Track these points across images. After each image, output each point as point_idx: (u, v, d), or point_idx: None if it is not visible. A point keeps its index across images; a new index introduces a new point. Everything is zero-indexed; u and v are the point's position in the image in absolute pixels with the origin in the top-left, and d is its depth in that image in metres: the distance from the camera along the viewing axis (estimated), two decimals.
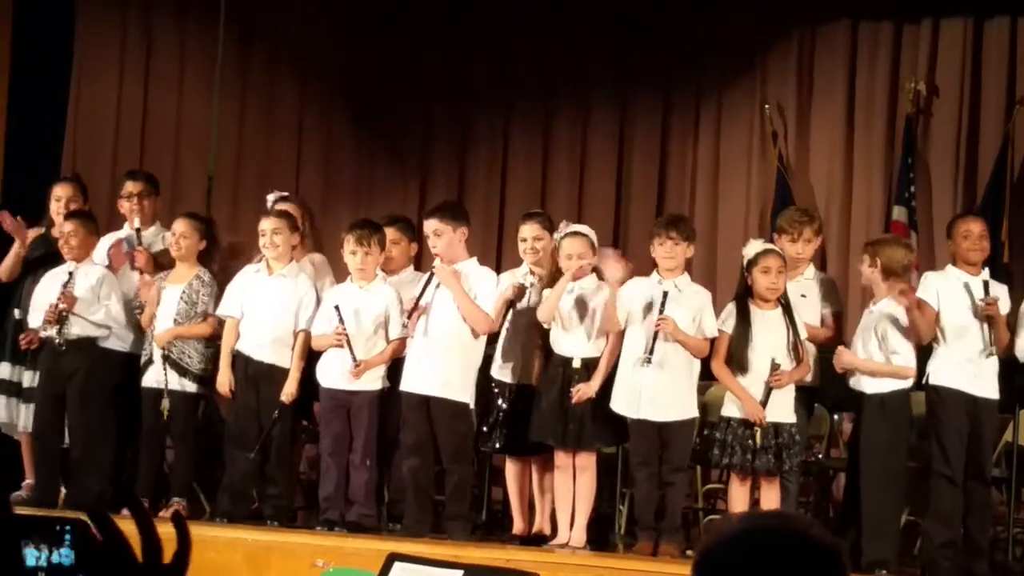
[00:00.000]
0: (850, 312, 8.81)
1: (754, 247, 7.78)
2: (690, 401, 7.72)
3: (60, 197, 9.07)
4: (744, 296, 7.70)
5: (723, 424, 7.62)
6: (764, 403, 7.52)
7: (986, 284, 7.76)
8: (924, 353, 7.80)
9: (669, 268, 7.73)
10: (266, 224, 8.31)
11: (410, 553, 6.33)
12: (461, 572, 5.97)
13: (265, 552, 7.48)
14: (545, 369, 7.78)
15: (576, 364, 7.67)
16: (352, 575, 7.10)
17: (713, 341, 7.67)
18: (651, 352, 7.53)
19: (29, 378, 8.86)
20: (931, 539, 7.75)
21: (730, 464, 7.59)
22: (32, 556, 2.19)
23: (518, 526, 7.98)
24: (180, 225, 8.60)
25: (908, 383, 7.69)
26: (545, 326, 7.79)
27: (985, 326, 7.72)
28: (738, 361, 7.59)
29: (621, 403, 7.62)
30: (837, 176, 10.90)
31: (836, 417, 8.87)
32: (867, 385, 7.65)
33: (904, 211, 10.40)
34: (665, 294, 7.56)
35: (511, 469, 8.06)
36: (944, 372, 7.70)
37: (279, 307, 8.23)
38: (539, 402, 7.71)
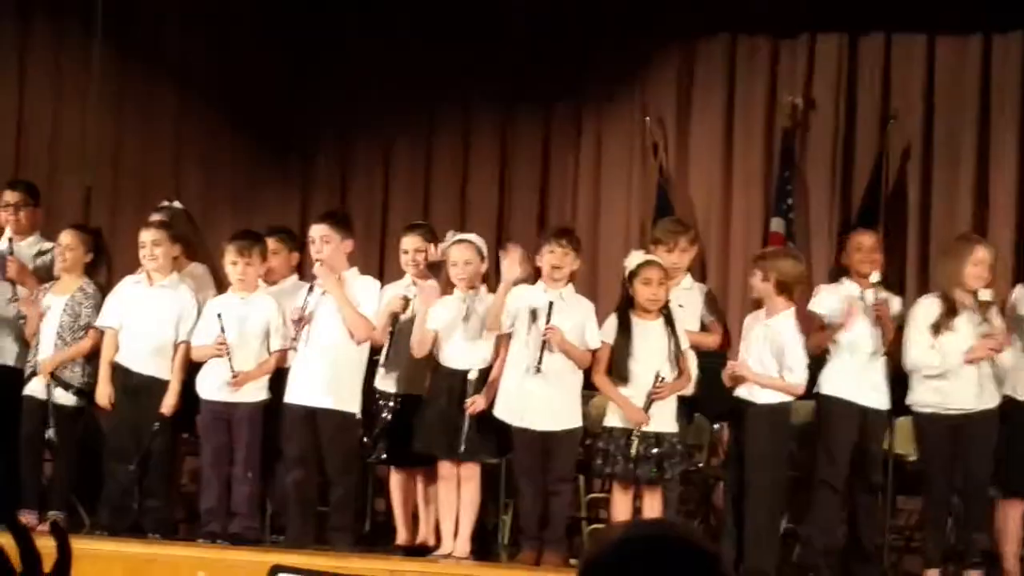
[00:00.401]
0: (730, 322, 8.90)
1: (635, 258, 7.84)
2: (575, 411, 7.77)
3: None
4: (625, 307, 7.76)
5: (605, 434, 7.68)
6: (646, 412, 7.58)
7: (876, 286, 7.91)
8: (814, 363, 7.94)
9: (557, 278, 7.76)
10: (146, 235, 8.24)
11: (294, 565, 6.31)
12: None
13: (147, 565, 7.42)
14: (433, 380, 7.79)
15: (473, 375, 7.66)
16: None
17: (595, 352, 7.73)
18: (539, 362, 7.56)
19: None
20: (813, 545, 7.86)
21: (612, 473, 7.65)
22: None
23: (402, 537, 7.98)
24: (67, 237, 8.49)
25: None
26: (492, 332, 7.77)
27: (877, 334, 7.87)
28: (619, 372, 7.64)
29: (505, 411, 7.65)
30: (716, 188, 11.02)
31: (716, 426, 8.96)
32: (757, 396, 7.73)
33: (782, 222, 10.53)
34: (551, 304, 7.60)
35: (395, 480, 8.06)
36: (835, 382, 7.83)
37: (159, 319, 8.16)
38: (424, 413, 7.70)
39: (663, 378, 7.57)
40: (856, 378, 7.83)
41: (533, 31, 11.48)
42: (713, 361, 8.01)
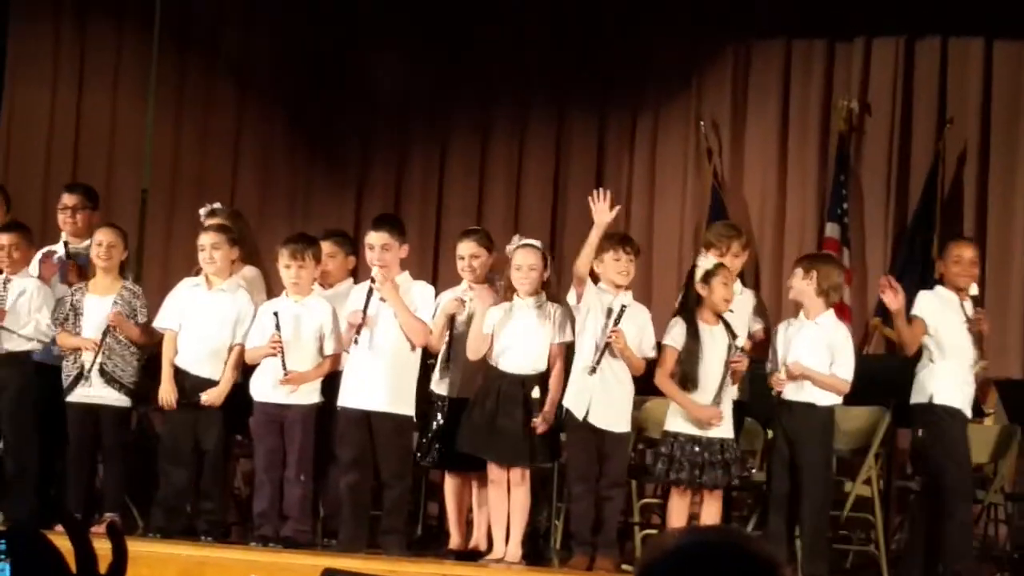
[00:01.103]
0: None
1: (709, 260, 7.78)
2: (628, 416, 7.75)
3: None
4: (692, 311, 7.71)
5: (669, 439, 7.63)
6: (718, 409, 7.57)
7: (975, 299, 7.85)
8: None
9: (621, 284, 7.73)
10: (205, 239, 8.24)
11: (345, 568, 6.30)
12: None
13: (199, 568, 7.43)
14: (483, 382, 7.77)
15: (535, 394, 7.62)
16: None
17: (657, 356, 7.69)
18: (597, 362, 7.54)
19: None
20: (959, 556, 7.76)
21: (678, 479, 7.57)
22: None
23: (455, 541, 7.97)
24: (108, 235, 8.48)
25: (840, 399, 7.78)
26: (472, 358, 7.76)
27: (971, 341, 7.83)
28: (689, 376, 7.57)
29: (571, 400, 7.63)
30: (771, 193, 10.98)
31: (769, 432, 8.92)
32: (810, 398, 7.67)
33: (837, 227, 10.49)
34: (623, 307, 7.58)
35: (449, 484, 8.05)
36: (948, 392, 7.74)
37: (217, 321, 8.17)
38: (472, 415, 7.68)
39: (739, 348, 7.54)
40: (962, 387, 7.77)
41: (588, 34, 11.47)
42: (760, 366, 7.96)
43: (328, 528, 8.27)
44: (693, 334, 7.62)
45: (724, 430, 7.58)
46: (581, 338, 7.69)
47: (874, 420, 8.27)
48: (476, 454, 7.71)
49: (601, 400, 7.60)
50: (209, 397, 8.09)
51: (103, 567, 2.12)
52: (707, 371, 7.59)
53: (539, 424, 7.56)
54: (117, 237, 8.48)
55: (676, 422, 7.63)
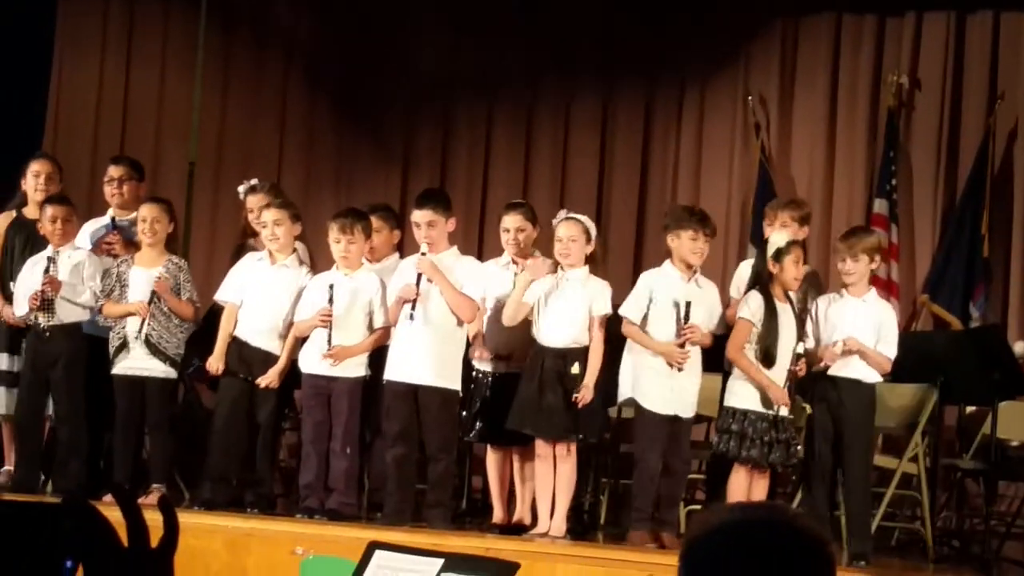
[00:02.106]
0: None
1: (782, 236, 7.69)
2: (696, 399, 7.73)
3: (39, 173, 8.96)
4: (767, 287, 7.59)
5: (740, 416, 7.54)
6: (790, 394, 7.54)
7: None
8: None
9: (693, 264, 7.68)
10: (268, 215, 8.26)
11: (391, 541, 6.32)
12: (442, 561, 5.96)
13: (245, 539, 7.46)
14: (529, 357, 7.75)
15: (575, 369, 7.58)
16: (332, 563, 7.08)
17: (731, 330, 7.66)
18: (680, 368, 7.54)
19: (8, 362, 8.81)
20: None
21: (748, 457, 7.51)
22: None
23: (498, 515, 7.98)
24: (152, 210, 8.51)
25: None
26: (507, 323, 7.77)
27: None
28: (769, 354, 7.49)
29: (654, 402, 7.58)
30: (819, 168, 10.93)
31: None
32: (858, 375, 7.62)
33: (885, 203, 10.44)
34: (688, 304, 7.54)
35: (492, 458, 8.05)
36: None
37: (278, 296, 8.20)
38: (519, 390, 7.68)
39: (800, 354, 7.50)
40: None
41: (636, 7, 11.43)
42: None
43: (372, 501, 8.29)
44: (771, 311, 7.54)
45: (784, 409, 7.55)
46: (649, 329, 7.64)
47: (921, 397, 8.22)
48: (523, 431, 7.70)
49: (686, 392, 7.59)
50: (267, 378, 8.12)
51: (154, 540, 2.13)
52: (781, 349, 7.52)
53: (580, 399, 7.54)
54: (161, 211, 8.51)
55: (745, 398, 7.53)
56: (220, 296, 8.34)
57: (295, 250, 8.31)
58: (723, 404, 7.64)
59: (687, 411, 7.65)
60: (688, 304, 7.55)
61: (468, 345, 8.00)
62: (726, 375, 7.69)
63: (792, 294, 7.66)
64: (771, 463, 7.52)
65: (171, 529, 2.15)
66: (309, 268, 8.38)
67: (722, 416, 7.65)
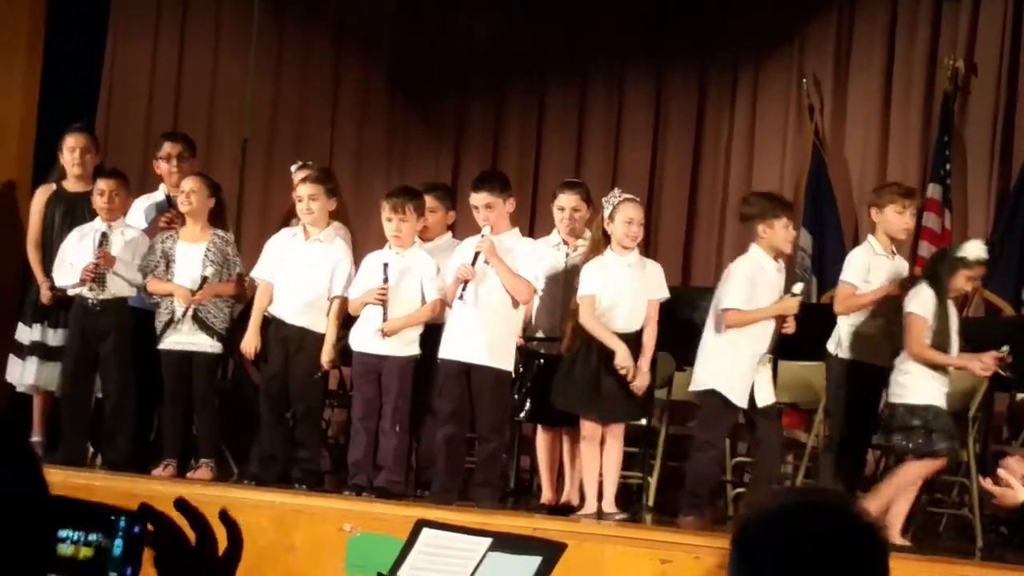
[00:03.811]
0: None
1: (982, 249, 7.47)
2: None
3: (74, 147, 8.99)
4: (944, 283, 7.36)
5: (922, 411, 7.26)
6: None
7: None
8: None
9: (785, 252, 7.58)
10: (303, 189, 8.29)
11: (438, 520, 6.32)
12: (489, 540, 5.96)
13: (293, 516, 7.50)
14: (577, 339, 7.74)
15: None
16: (379, 540, 7.11)
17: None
18: (771, 350, 7.50)
19: (40, 334, 8.84)
20: None
21: (937, 451, 7.25)
22: (71, 541, 2.19)
23: (546, 495, 7.98)
24: (190, 182, 8.53)
25: None
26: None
27: None
28: (942, 349, 7.32)
29: (739, 397, 7.51)
30: (872, 151, 10.86)
31: None
32: None
33: (939, 189, 10.36)
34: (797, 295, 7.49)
35: (542, 439, 8.05)
36: None
37: (314, 272, 8.22)
38: (571, 373, 7.67)
39: (1005, 348, 7.35)
40: None
41: None
42: None
43: (420, 480, 8.31)
44: (942, 308, 7.32)
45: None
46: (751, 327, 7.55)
47: (971, 384, 8.17)
48: (579, 413, 7.68)
49: (767, 384, 7.53)
50: (324, 360, 8.14)
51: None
52: (952, 347, 7.35)
53: (637, 383, 7.53)
54: (200, 184, 8.53)
55: (926, 394, 7.30)
56: (254, 274, 8.37)
57: (328, 224, 8.32)
58: (897, 402, 7.35)
59: (767, 399, 7.58)
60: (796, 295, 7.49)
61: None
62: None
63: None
64: (935, 452, 7.28)
65: (234, 541, 2.18)
66: (348, 246, 8.39)
67: (898, 414, 7.33)
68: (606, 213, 7.66)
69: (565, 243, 8.05)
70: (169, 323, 8.39)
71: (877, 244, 7.65)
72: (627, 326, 7.63)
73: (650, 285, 7.70)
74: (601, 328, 7.58)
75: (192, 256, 8.42)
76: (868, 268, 7.61)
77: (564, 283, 7.92)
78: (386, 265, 7.94)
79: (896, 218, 7.56)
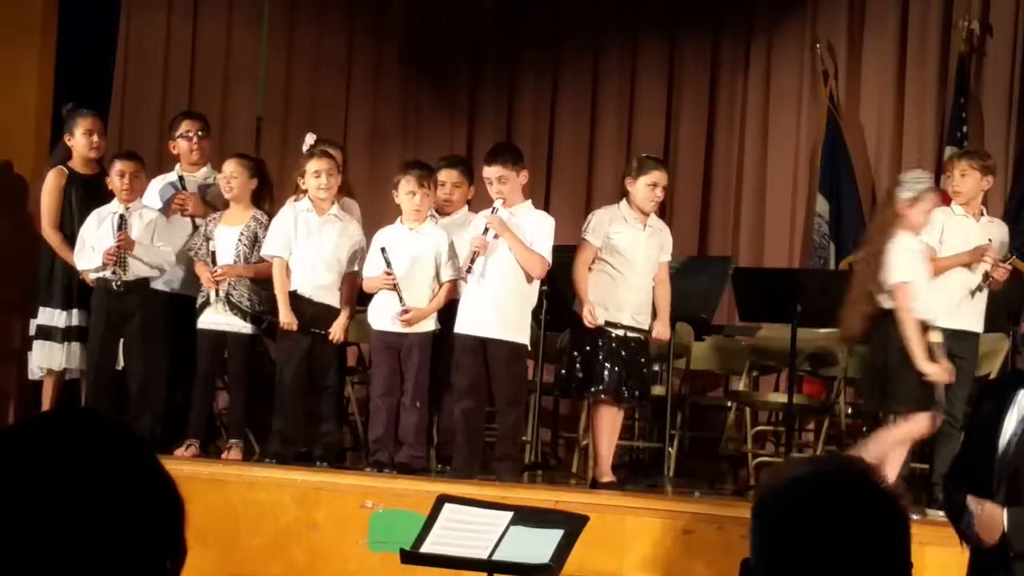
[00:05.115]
0: None
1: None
2: None
3: (91, 130, 8.94)
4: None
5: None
6: None
7: None
8: None
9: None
10: (319, 164, 8.26)
11: (460, 494, 6.33)
12: (511, 514, 5.96)
13: (314, 493, 7.51)
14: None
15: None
16: (401, 516, 7.12)
17: None
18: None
19: (61, 318, 8.84)
20: None
21: None
22: None
23: (608, 475, 7.78)
24: (229, 166, 8.55)
25: None
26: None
27: None
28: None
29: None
30: (888, 115, 10.80)
31: None
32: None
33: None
34: None
35: (607, 414, 7.90)
36: None
37: (329, 247, 8.22)
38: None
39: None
40: None
41: None
42: None
43: (442, 455, 8.31)
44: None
45: None
46: None
47: (992, 346, 8.14)
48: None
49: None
50: (333, 334, 8.14)
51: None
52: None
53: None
54: (239, 167, 8.52)
55: None
56: (265, 251, 8.33)
57: (335, 202, 8.31)
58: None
59: None
60: None
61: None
62: None
63: None
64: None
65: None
66: (358, 221, 8.39)
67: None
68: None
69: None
70: (205, 304, 8.41)
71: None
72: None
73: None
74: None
75: (228, 239, 8.44)
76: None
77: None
78: (383, 249, 7.91)
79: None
